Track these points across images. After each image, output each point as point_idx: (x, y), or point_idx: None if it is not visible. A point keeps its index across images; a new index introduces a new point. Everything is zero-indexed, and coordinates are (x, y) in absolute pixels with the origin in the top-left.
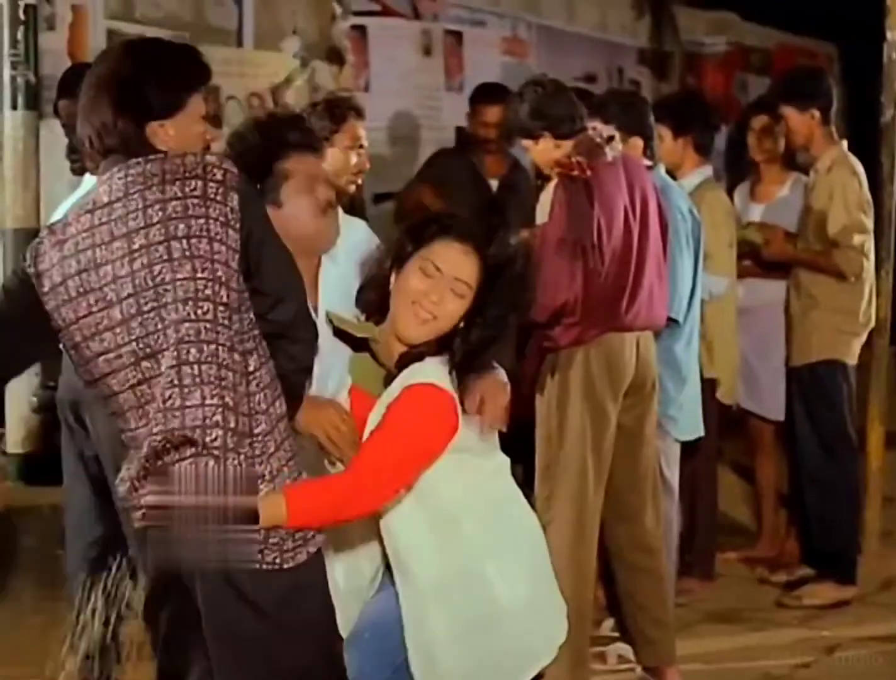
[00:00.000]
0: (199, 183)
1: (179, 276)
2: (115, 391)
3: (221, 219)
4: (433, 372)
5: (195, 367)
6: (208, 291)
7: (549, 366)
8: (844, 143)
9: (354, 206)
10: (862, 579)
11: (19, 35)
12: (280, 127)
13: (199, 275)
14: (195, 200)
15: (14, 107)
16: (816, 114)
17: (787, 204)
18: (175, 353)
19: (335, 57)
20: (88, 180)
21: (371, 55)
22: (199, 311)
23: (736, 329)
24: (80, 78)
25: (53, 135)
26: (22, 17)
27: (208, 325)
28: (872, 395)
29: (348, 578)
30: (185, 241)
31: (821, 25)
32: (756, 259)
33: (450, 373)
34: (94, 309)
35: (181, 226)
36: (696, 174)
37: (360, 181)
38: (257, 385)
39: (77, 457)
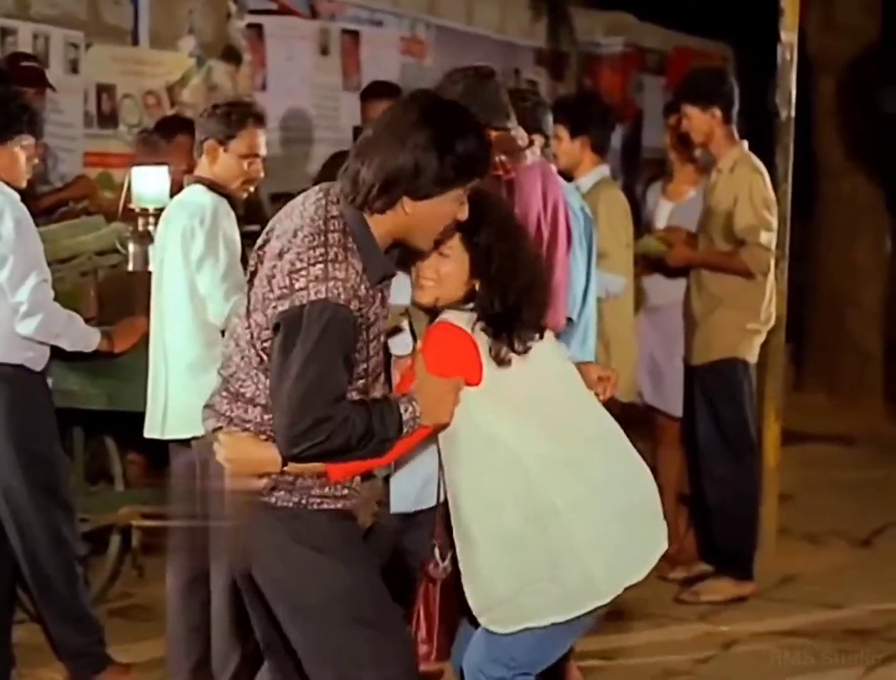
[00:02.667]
0: None
1: None
2: None
3: None
4: (448, 315)
5: None
6: None
7: None
8: (745, 143)
9: (252, 207)
10: (759, 575)
11: None
12: None
13: None
14: None
15: None
16: (717, 113)
17: (696, 204)
18: None
19: (232, 56)
20: None
21: (268, 54)
22: None
23: (633, 327)
24: None
25: None
26: None
27: None
28: (768, 392)
29: None
30: None
31: (716, 27)
32: (661, 267)
33: (474, 325)
34: None
35: None
36: (594, 174)
37: (251, 189)
38: None
39: None
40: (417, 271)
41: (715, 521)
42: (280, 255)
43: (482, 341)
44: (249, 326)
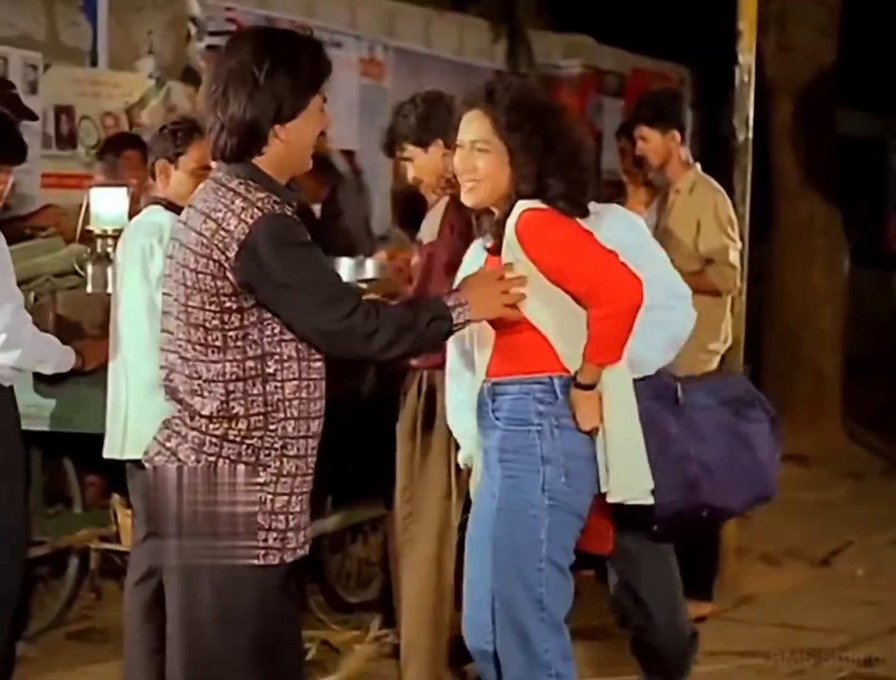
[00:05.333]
0: None
1: None
2: None
3: None
4: (523, 205)
5: None
6: None
7: (415, 384)
8: (698, 165)
9: None
10: (718, 596)
11: None
12: None
13: None
14: None
15: None
16: (676, 135)
17: (649, 225)
18: None
19: (191, 77)
20: None
21: None
22: None
23: None
24: None
25: None
26: None
27: None
28: None
29: None
30: None
31: (674, 49)
32: None
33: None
34: None
35: None
36: None
37: None
38: None
39: None
40: (459, 176)
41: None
42: (192, 244)
43: None
44: (189, 323)
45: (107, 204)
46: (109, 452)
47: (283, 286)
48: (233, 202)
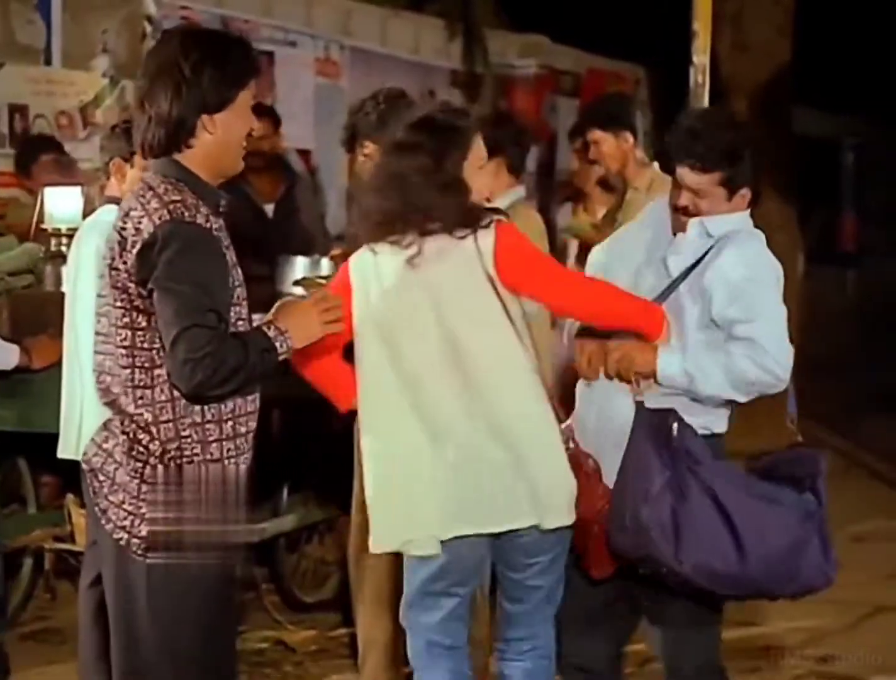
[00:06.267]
0: None
1: None
2: None
3: None
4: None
5: None
6: None
7: None
8: (656, 165)
9: None
10: None
11: None
12: None
13: None
14: None
15: None
16: (629, 138)
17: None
18: None
19: None
20: None
21: None
22: None
23: (549, 347)
24: None
25: None
26: None
27: None
28: None
29: None
30: None
31: (629, 49)
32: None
33: None
34: None
35: None
36: (509, 194)
37: None
38: None
39: None
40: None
41: None
42: (114, 243)
43: None
44: (112, 323)
45: (61, 203)
46: (64, 451)
47: (163, 290)
48: (149, 202)
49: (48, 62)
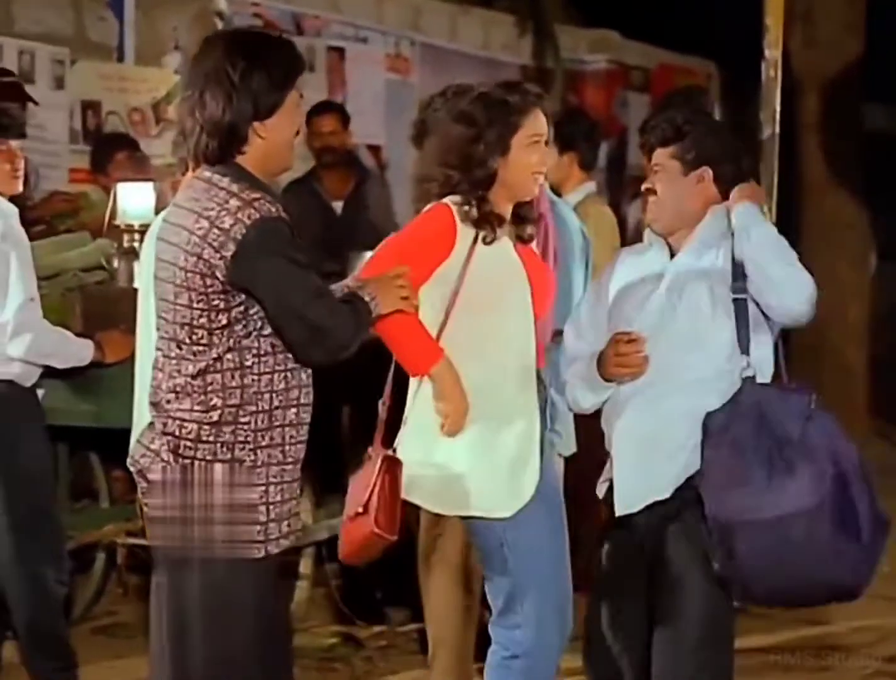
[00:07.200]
0: None
1: None
2: None
3: None
4: None
5: None
6: None
7: None
8: None
9: None
10: None
11: None
12: None
13: None
14: None
15: None
16: None
17: None
18: None
19: None
20: None
21: None
22: None
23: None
24: None
25: None
26: None
27: None
28: None
29: None
30: None
31: (700, 44)
32: None
33: None
34: None
35: None
36: (581, 190)
37: None
38: None
39: None
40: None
41: None
42: (182, 243)
43: None
44: (174, 321)
45: (133, 199)
46: None
47: (273, 279)
48: (227, 201)
49: (120, 59)
